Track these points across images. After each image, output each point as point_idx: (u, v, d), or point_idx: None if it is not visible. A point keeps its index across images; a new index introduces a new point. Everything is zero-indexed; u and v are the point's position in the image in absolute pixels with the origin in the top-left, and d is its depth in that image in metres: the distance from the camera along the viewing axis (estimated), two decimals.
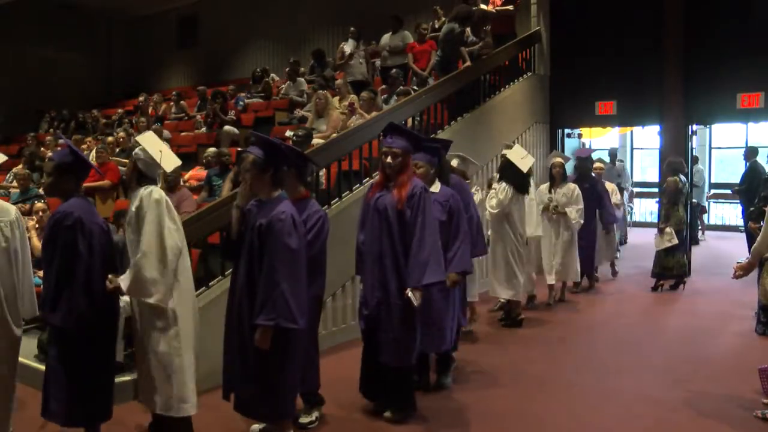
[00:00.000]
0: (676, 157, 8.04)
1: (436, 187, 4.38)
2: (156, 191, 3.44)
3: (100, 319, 3.39)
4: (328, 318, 5.72)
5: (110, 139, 9.23)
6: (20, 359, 3.65)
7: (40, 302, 3.43)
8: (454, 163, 5.77)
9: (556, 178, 7.02)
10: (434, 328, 4.23)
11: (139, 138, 3.67)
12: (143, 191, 3.42)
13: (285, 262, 3.23)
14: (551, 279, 7.10)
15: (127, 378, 4.42)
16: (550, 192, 7.07)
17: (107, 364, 3.50)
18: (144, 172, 3.52)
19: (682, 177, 7.78)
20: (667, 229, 7.57)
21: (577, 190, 7.09)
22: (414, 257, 3.78)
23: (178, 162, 3.87)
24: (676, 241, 7.54)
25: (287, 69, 10.60)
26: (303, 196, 3.84)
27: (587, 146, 11.72)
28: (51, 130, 12.21)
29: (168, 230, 3.35)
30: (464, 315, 4.99)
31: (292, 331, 3.26)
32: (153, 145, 3.57)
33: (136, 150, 3.55)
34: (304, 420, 3.98)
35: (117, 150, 8.89)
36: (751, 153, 9.14)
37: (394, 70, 8.52)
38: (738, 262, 4.20)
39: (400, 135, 4.01)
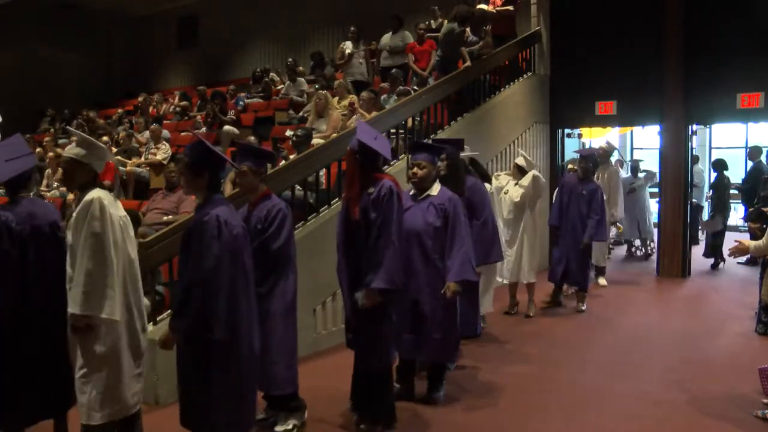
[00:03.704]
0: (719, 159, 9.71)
1: (435, 190, 4.20)
2: (93, 206, 3.14)
3: (30, 323, 3.26)
4: (327, 318, 5.72)
5: (105, 138, 9.21)
6: None
7: None
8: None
9: (513, 175, 6.66)
10: (428, 336, 4.07)
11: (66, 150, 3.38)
12: (87, 197, 3.18)
13: (204, 268, 3.00)
14: (506, 278, 6.66)
15: None
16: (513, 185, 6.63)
17: (32, 367, 3.30)
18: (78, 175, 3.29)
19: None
20: (717, 216, 9.06)
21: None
22: (368, 258, 3.57)
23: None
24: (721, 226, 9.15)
25: (285, 69, 10.62)
26: (264, 194, 3.78)
27: (587, 146, 11.69)
28: (51, 130, 12.20)
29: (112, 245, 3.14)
30: (475, 323, 4.80)
31: (213, 341, 3.03)
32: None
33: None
34: (278, 429, 3.81)
35: (115, 150, 8.88)
36: (754, 152, 9.14)
37: (394, 70, 8.53)
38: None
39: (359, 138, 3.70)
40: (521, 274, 6.61)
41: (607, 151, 8.53)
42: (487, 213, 4.88)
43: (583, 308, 7.03)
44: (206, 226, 3.04)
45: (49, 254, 3.36)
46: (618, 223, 8.26)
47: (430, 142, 5.47)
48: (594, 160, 7.21)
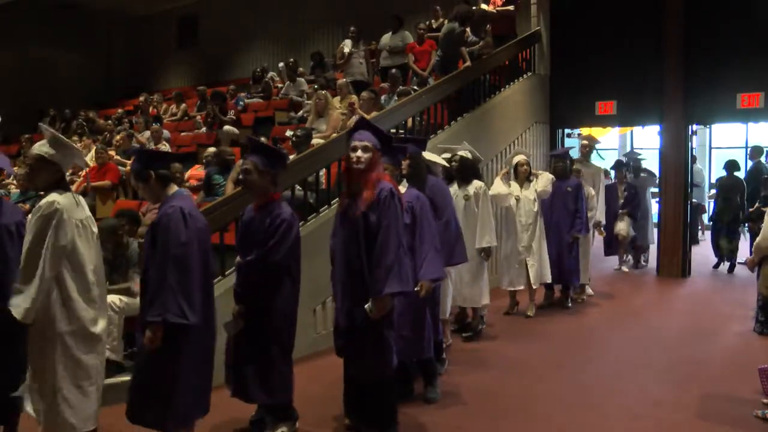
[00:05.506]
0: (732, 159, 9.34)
1: (401, 189, 4.14)
2: (47, 207, 3.04)
3: None
4: (327, 318, 5.72)
5: (118, 137, 9.23)
6: None
7: None
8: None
9: (520, 177, 6.62)
10: (407, 335, 4.03)
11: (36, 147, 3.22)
12: (45, 200, 3.09)
13: (173, 257, 3.07)
14: (520, 284, 6.64)
15: (126, 378, 4.43)
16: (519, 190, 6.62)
17: None
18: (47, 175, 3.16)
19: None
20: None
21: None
22: (374, 266, 3.42)
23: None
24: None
25: (285, 69, 10.62)
26: (270, 199, 3.64)
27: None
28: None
29: (49, 251, 2.99)
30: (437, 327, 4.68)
31: (184, 328, 3.07)
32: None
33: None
34: None
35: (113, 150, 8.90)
36: (755, 152, 9.13)
37: (393, 70, 8.52)
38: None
39: (371, 131, 3.61)
40: (543, 276, 6.66)
41: (590, 145, 8.04)
42: (450, 213, 4.81)
43: (569, 305, 7.07)
44: (171, 217, 3.14)
45: (13, 253, 3.26)
46: (602, 227, 7.96)
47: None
48: (569, 157, 7.37)
